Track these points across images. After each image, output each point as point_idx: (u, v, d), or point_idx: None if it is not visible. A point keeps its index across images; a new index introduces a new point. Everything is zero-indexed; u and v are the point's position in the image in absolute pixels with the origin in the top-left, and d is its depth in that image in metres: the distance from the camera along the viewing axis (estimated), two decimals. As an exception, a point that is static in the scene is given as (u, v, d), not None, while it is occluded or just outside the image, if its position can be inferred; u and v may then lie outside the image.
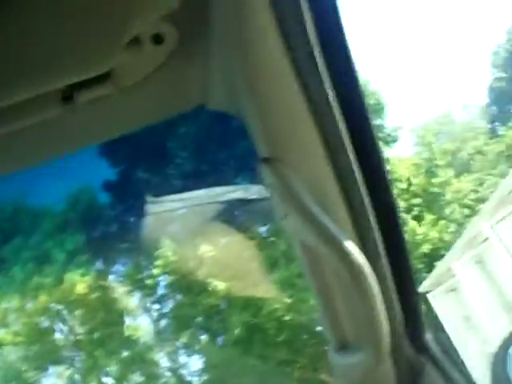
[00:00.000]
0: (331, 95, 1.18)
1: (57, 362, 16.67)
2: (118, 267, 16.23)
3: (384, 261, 1.31)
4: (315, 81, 1.16)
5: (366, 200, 1.27)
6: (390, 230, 1.32)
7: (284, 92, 1.17)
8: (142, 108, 1.36)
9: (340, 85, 1.19)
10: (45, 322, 16.22)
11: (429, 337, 1.39)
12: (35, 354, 16.14)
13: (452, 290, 14.81)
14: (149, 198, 12.92)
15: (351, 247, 1.17)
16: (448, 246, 16.15)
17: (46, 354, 16.18)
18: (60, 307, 16.10)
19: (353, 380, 1.35)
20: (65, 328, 16.53)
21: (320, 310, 1.34)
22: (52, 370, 17.26)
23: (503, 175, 18.79)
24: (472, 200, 18.58)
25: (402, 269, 1.35)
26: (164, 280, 15.33)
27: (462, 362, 1.68)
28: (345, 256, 1.16)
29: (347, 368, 1.35)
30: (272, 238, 14.43)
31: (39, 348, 16.11)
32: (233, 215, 14.85)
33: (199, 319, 14.88)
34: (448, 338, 12.90)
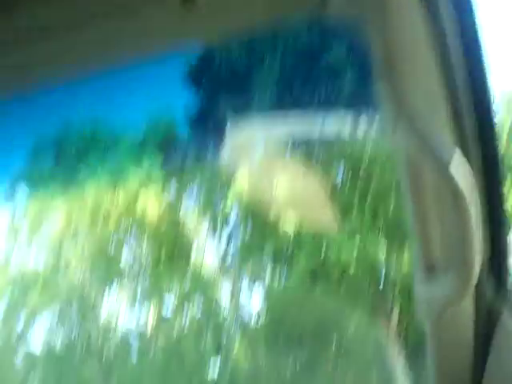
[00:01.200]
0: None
1: (120, 286, 17.14)
2: (192, 193, 16.48)
3: (480, 193, 1.29)
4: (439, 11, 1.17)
5: (470, 120, 1.29)
6: (488, 155, 1.33)
7: (408, 12, 1.17)
8: (257, 7, 1.33)
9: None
10: (112, 246, 16.67)
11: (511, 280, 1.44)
12: (100, 276, 16.64)
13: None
14: (231, 123, 13.05)
15: (458, 167, 1.15)
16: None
17: (110, 277, 16.65)
18: (131, 229, 16.51)
19: (433, 311, 1.36)
20: (131, 253, 16.95)
21: (412, 229, 1.35)
22: (114, 294, 17.83)
23: None
24: None
25: (496, 203, 1.38)
26: (235, 215, 15.48)
27: None
28: (449, 177, 1.14)
29: (429, 291, 1.37)
30: (348, 185, 14.32)
31: (104, 271, 16.59)
32: (312, 155, 14.78)
33: (266, 256, 14.98)
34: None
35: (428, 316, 1.40)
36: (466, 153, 1.22)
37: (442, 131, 1.22)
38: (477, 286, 1.28)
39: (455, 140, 1.25)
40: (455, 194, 1.14)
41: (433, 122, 1.19)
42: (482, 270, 1.28)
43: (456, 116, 1.25)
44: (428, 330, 1.42)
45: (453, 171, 1.13)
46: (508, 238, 1.41)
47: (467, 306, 1.34)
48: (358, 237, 12.95)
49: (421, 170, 1.25)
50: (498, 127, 16.47)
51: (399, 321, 13.30)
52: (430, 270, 1.34)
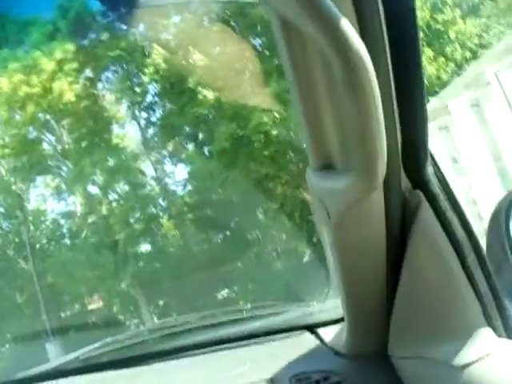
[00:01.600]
0: None
1: (44, 172, 16.87)
2: (108, 75, 16.06)
3: (389, 65, 1.05)
4: None
5: None
6: (401, 30, 1.03)
7: None
8: None
9: None
10: (32, 133, 16.21)
11: (430, 171, 1.24)
12: (23, 165, 16.27)
13: (443, 128, 14.75)
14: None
15: (349, 29, 0.87)
16: (444, 84, 15.93)
17: (33, 164, 16.31)
18: (48, 117, 16.02)
19: (335, 206, 1.13)
20: (52, 138, 16.55)
21: (300, 116, 1.09)
22: (39, 180, 17.56)
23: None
24: (475, 44, 18.04)
25: (411, 82, 1.11)
26: (153, 88, 15.24)
27: (460, 205, 1.43)
28: (339, 39, 0.86)
29: (329, 192, 1.15)
30: (266, 52, 14.09)
31: (27, 159, 16.21)
32: (229, 24, 14.46)
33: (187, 128, 14.91)
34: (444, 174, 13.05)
35: (326, 216, 1.16)
36: (369, 14, 0.99)
37: None
38: (389, 177, 1.07)
39: (354, 10, 0.98)
40: (349, 72, 0.88)
41: None
42: (395, 161, 1.11)
43: None
44: (328, 231, 1.20)
45: (344, 34, 0.86)
46: (426, 119, 1.17)
47: (377, 201, 1.14)
48: (278, 102, 12.89)
49: (304, 42, 0.98)
50: None
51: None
52: (328, 165, 1.12)
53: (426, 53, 16.44)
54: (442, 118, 14.32)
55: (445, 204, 1.25)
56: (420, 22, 17.22)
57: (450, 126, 14.42)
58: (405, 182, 1.22)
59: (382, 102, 0.95)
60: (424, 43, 16.88)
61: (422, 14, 17.19)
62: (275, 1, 0.96)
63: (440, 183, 1.27)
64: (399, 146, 1.15)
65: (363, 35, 0.94)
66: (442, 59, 16.70)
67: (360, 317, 1.40)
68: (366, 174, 1.00)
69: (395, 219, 1.22)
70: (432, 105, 14.60)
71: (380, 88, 0.93)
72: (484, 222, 10.25)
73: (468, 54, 17.70)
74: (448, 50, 17.32)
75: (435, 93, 15.21)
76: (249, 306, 3.11)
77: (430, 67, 16.18)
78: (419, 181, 1.23)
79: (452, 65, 17.08)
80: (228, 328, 2.34)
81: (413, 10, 1.07)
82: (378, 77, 0.92)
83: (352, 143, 0.99)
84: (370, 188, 1.04)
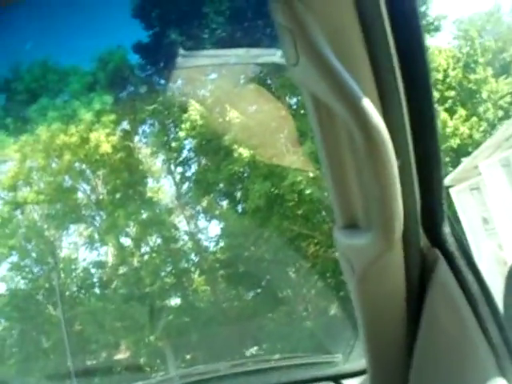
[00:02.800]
0: None
1: (78, 220, 17.06)
2: (144, 128, 16.34)
3: (408, 138, 1.15)
4: None
5: (396, 65, 1.10)
6: (420, 105, 1.15)
7: None
8: None
9: None
10: (68, 182, 16.46)
11: (446, 230, 1.30)
12: (57, 212, 16.50)
13: (475, 189, 14.70)
14: (181, 52, 12.77)
15: (370, 108, 1.00)
16: (476, 144, 15.91)
17: (67, 212, 16.51)
18: (84, 167, 16.28)
19: (358, 261, 1.23)
20: (87, 187, 16.78)
21: (327, 179, 1.19)
22: (73, 228, 17.76)
23: (543, 84, 18.26)
24: (507, 103, 18.07)
25: (429, 152, 1.21)
26: (189, 143, 15.39)
27: (476, 263, 1.52)
28: (361, 116, 1.00)
29: (353, 248, 1.25)
30: (302, 111, 14.24)
31: (61, 207, 16.43)
32: (265, 83, 14.69)
33: (221, 185, 15.01)
34: (465, 236, 12.95)
35: (351, 271, 1.26)
36: (390, 92, 1.10)
37: (355, 67, 1.05)
38: (408, 236, 1.18)
39: (374, 80, 1.09)
40: (369, 144, 1.01)
41: (344, 58, 1.03)
42: (414, 221, 1.20)
43: (376, 51, 1.07)
44: (352, 286, 1.29)
45: (364, 111, 0.99)
46: (442, 184, 1.28)
47: (397, 258, 1.23)
48: (313, 161, 12.96)
49: (331, 114, 1.08)
50: (434, 63, 16.62)
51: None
52: (352, 223, 1.21)
53: (459, 112, 16.50)
54: (473, 179, 14.29)
55: (461, 262, 1.30)
56: (453, 82, 17.35)
57: (482, 187, 14.35)
58: (424, 241, 1.29)
59: (402, 166, 1.07)
60: (457, 103, 16.98)
61: (454, 73, 17.34)
62: (305, 79, 1.06)
63: (456, 242, 1.32)
64: (418, 207, 1.23)
65: (384, 110, 1.06)
66: (475, 119, 16.72)
67: (381, 368, 1.43)
68: (383, 232, 1.10)
69: (414, 275, 1.29)
70: (463, 165, 14.60)
71: (399, 155, 1.04)
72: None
73: (500, 113, 17.71)
74: (481, 109, 17.36)
75: (468, 153, 15.19)
76: (277, 356, 3.15)
77: (462, 127, 16.21)
78: (437, 239, 1.30)
79: (484, 124, 17.09)
80: (257, 377, 2.36)
81: (429, 89, 1.17)
82: (397, 147, 1.04)
83: (372, 205, 1.09)
84: (388, 245, 1.13)
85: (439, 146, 1.23)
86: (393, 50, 1.09)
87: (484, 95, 17.71)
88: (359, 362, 1.88)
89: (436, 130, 1.21)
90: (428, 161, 1.21)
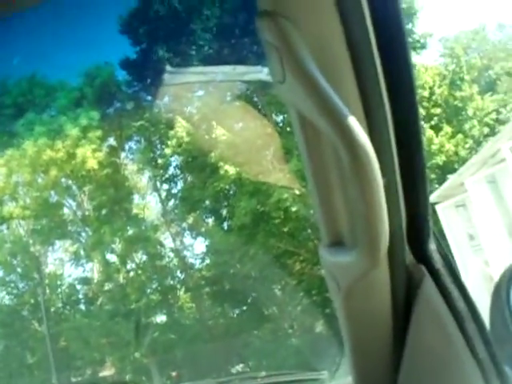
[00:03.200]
0: None
1: (63, 236, 16.98)
2: (131, 145, 16.32)
3: (394, 155, 1.15)
4: None
5: (382, 83, 1.11)
6: (406, 123, 1.16)
7: None
8: None
9: None
10: (54, 197, 16.39)
11: (432, 247, 1.30)
12: (42, 228, 16.41)
13: (461, 206, 14.76)
14: (168, 69, 12.77)
15: (356, 126, 1.00)
16: (462, 160, 16.00)
17: (53, 228, 16.43)
18: (70, 182, 16.22)
19: (344, 279, 1.23)
20: (73, 203, 16.72)
21: (313, 197, 1.19)
22: (58, 244, 17.67)
23: (528, 101, 18.44)
24: (492, 120, 18.20)
25: (415, 169, 1.22)
26: (175, 160, 15.39)
27: (461, 279, 1.55)
28: (347, 135, 1.00)
29: (338, 266, 1.24)
30: (288, 128, 14.28)
31: (47, 222, 16.35)
32: (252, 100, 14.73)
33: (207, 202, 14.98)
34: (451, 252, 13.00)
35: (336, 289, 1.26)
36: (376, 109, 1.11)
37: (341, 85, 1.05)
38: (393, 254, 1.18)
39: (360, 97, 1.09)
40: (355, 164, 1.00)
41: (330, 75, 1.02)
42: (399, 237, 1.20)
43: (362, 68, 1.07)
44: (338, 303, 1.29)
45: (351, 130, 0.99)
46: (428, 201, 1.28)
47: (382, 275, 1.23)
48: (299, 179, 12.97)
49: (317, 132, 1.08)
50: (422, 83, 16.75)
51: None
52: (338, 241, 1.21)
53: (445, 130, 16.59)
54: (459, 196, 14.35)
55: (446, 278, 1.30)
56: (439, 99, 17.46)
57: (467, 203, 14.42)
58: (409, 258, 1.29)
59: (388, 184, 1.07)
60: (443, 120, 17.09)
61: (440, 91, 17.46)
62: (291, 96, 1.06)
63: (442, 259, 1.32)
64: (403, 224, 1.23)
65: (370, 128, 1.07)
66: (461, 136, 16.82)
67: None
68: (369, 250, 1.09)
69: (400, 292, 1.29)
70: (449, 182, 14.67)
71: (384, 173, 1.04)
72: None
73: (486, 130, 17.83)
74: (466, 126, 17.47)
75: (454, 170, 15.28)
76: (263, 373, 3.13)
77: (448, 144, 16.30)
78: (422, 256, 1.30)
79: (470, 141, 17.20)
80: None
81: (415, 106, 1.18)
82: (382, 164, 1.03)
83: (358, 222, 1.08)
84: (373, 263, 1.13)
85: (425, 163, 1.24)
86: (379, 68, 1.10)
87: (470, 112, 17.84)
88: (345, 379, 1.86)
89: (422, 147, 1.22)
90: (414, 178, 1.22)
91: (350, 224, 1.15)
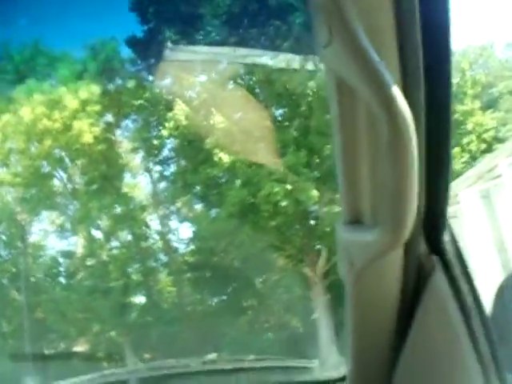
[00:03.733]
0: None
1: (51, 207, 16.92)
2: (128, 123, 16.24)
3: (423, 138, 1.12)
4: None
5: (421, 61, 1.09)
6: (437, 106, 1.14)
7: None
8: None
9: None
10: (46, 167, 16.30)
11: (446, 238, 1.30)
12: (31, 197, 16.33)
13: (452, 217, 14.73)
14: (169, 45, 12.70)
15: (401, 98, 0.97)
16: (457, 174, 16.03)
17: (41, 198, 16.36)
18: (63, 154, 16.13)
19: (359, 258, 1.21)
20: (64, 176, 16.63)
21: (339, 171, 1.16)
22: (45, 215, 17.60)
23: (528, 123, 18.48)
24: (491, 137, 18.24)
25: (440, 158, 1.20)
26: (171, 143, 15.30)
27: (472, 274, 1.53)
28: (391, 105, 0.96)
29: (356, 244, 1.22)
30: (286, 123, 14.24)
31: (36, 192, 16.27)
32: (254, 91, 14.66)
33: (198, 188, 14.92)
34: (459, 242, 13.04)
35: (349, 268, 1.24)
36: (411, 93, 1.07)
37: (384, 52, 1.03)
38: (408, 240, 1.13)
39: (400, 77, 1.07)
40: (394, 130, 0.97)
41: (376, 40, 1.00)
42: (416, 225, 1.13)
43: (406, 52, 1.06)
44: (348, 283, 1.27)
45: (395, 99, 0.96)
46: (448, 193, 1.25)
47: (395, 260, 1.21)
48: (292, 174, 12.95)
49: (355, 102, 1.05)
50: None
51: (327, 262, 13.57)
52: (357, 219, 1.18)
53: (443, 142, 16.62)
54: (451, 207, 14.32)
55: (458, 271, 1.29)
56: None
57: (459, 215, 14.43)
58: (423, 246, 1.27)
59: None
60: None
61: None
62: (336, 61, 1.02)
63: (455, 251, 1.31)
64: (421, 212, 1.20)
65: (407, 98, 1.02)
66: (458, 149, 16.84)
67: (363, 375, 1.40)
68: (393, 229, 1.06)
69: (410, 280, 1.27)
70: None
71: None
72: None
73: (483, 146, 17.86)
74: (464, 140, 17.50)
75: (447, 182, 15.30)
76: (252, 357, 3.07)
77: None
78: (436, 247, 1.28)
79: (467, 155, 17.22)
80: (228, 377, 2.31)
81: (449, 94, 1.16)
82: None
83: (384, 200, 1.05)
84: (395, 243, 1.10)
85: (451, 150, 1.22)
86: (420, 43, 1.07)
87: (469, 127, 17.86)
88: (337, 369, 1.82)
89: (449, 136, 1.19)
90: (439, 165, 1.19)
91: (374, 201, 1.13)
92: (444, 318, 1.28)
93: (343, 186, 1.17)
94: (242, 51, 10.42)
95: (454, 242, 1.31)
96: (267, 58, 11.26)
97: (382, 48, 1.02)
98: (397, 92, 0.96)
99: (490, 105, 19.25)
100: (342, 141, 1.11)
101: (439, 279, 1.27)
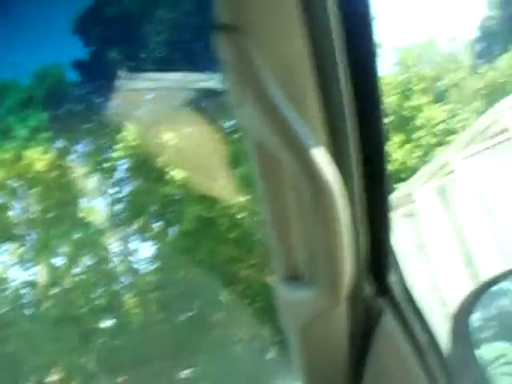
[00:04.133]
0: None
1: (9, 239, 16.66)
2: (79, 147, 16.10)
3: (357, 186, 1.10)
4: None
5: (348, 110, 1.03)
6: (371, 151, 1.10)
7: None
8: None
9: None
10: (0, 199, 16.07)
11: (393, 279, 1.27)
12: (-14, 232, 16.08)
13: (409, 216, 14.96)
14: (121, 74, 12.68)
15: (322, 158, 0.92)
16: (410, 170, 16.23)
17: (-2, 232, 16.13)
18: (17, 184, 15.93)
19: (300, 315, 1.17)
20: (20, 206, 16.42)
21: (269, 228, 1.12)
22: (4, 247, 17.32)
23: (476, 112, 18.80)
24: (441, 130, 18.54)
25: (379, 201, 1.17)
26: (123, 164, 15.28)
27: (423, 311, 1.49)
28: (311, 167, 0.92)
29: (293, 301, 1.18)
30: (236, 135, 14.28)
31: (-8, 227, 16.04)
32: (200, 106, 14.69)
33: (154, 207, 14.91)
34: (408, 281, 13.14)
35: (291, 323, 1.19)
36: (342, 140, 1.02)
37: (305, 111, 0.96)
38: (354, 284, 1.07)
39: (325, 123, 1.00)
40: (317, 193, 0.91)
41: (295, 97, 0.93)
42: (360, 268, 1.12)
43: (328, 98, 0.98)
44: (293, 336, 1.21)
45: (316, 162, 0.89)
46: (391, 232, 1.21)
47: (340, 309, 1.15)
48: (245, 186, 12.99)
49: (276, 162, 0.99)
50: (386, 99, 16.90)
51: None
52: (294, 275, 1.13)
53: (394, 139, 16.85)
54: (407, 206, 14.53)
55: (407, 311, 1.26)
56: (388, 108, 17.73)
57: (416, 214, 14.60)
58: (369, 290, 1.23)
59: (352, 216, 0.98)
60: (392, 129, 17.36)
61: (390, 100, 17.74)
62: (251, 122, 0.97)
63: (404, 290, 1.28)
64: (364, 256, 1.17)
65: (334, 157, 0.97)
66: (409, 145, 17.11)
67: None
68: (329, 289, 1.02)
69: (358, 326, 1.23)
70: (397, 192, 14.84)
71: (347, 204, 0.96)
72: (447, 307, 10.29)
73: (434, 140, 18.16)
74: (415, 136, 17.77)
75: (402, 180, 15.48)
76: None
77: (396, 154, 16.55)
78: (383, 288, 1.25)
79: (418, 151, 17.49)
80: None
81: (382, 138, 1.13)
82: (346, 194, 0.96)
83: (318, 258, 1.00)
84: (334, 302, 1.05)
85: (389, 195, 1.18)
86: (345, 94, 1.01)
87: (419, 122, 18.14)
88: None
89: (386, 179, 1.16)
90: (378, 209, 1.16)
91: (309, 260, 1.08)
92: (398, 360, 1.24)
93: (275, 243, 1.12)
94: (192, 76, 10.45)
95: (402, 280, 1.28)
96: (216, 83, 11.31)
97: (303, 102, 0.97)
98: (317, 153, 0.91)
99: (437, 98, 19.60)
100: (268, 198, 1.07)
101: (389, 321, 1.23)
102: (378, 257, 1.21)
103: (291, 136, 0.91)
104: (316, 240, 0.98)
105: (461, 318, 1.69)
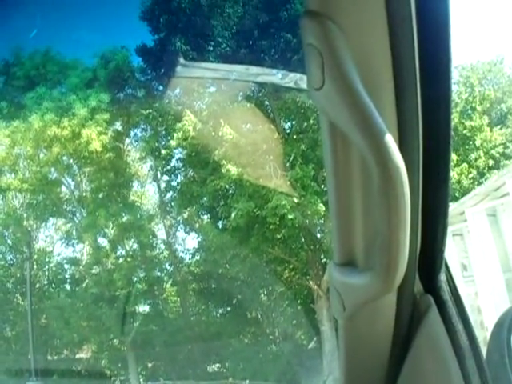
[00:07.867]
0: None
1: (57, 214, 16.96)
2: (136, 132, 16.28)
3: (420, 181, 1.12)
4: None
5: (419, 105, 1.05)
6: (436, 150, 1.12)
7: None
8: None
9: None
10: (53, 174, 16.33)
11: (442, 278, 1.28)
12: (38, 203, 16.39)
13: (458, 235, 14.73)
14: (182, 61, 12.73)
15: (393, 145, 0.94)
16: (464, 190, 15.97)
17: (48, 205, 16.42)
18: (71, 161, 16.18)
19: (351, 300, 1.18)
20: (72, 183, 16.67)
21: (331, 212, 1.13)
22: (52, 221, 17.65)
23: (536, 139, 18.45)
24: (499, 153, 18.19)
25: (438, 199, 1.18)
26: (179, 153, 15.31)
27: (467, 314, 1.50)
28: (382, 153, 0.94)
29: (347, 286, 1.19)
30: (295, 136, 14.26)
31: (43, 198, 16.33)
32: (263, 103, 14.71)
33: (205, 199, 14.93)
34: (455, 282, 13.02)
35: (341, 310, 1.20)
36: (407, 139, 1.05)
37: (380, 98, 0.99)
38: (404, 281, 1.10)
39: (396, 122, 1.04)
40: (386, 182, 0.94)
41: (371, 85, 0.97)
42: (411, 264, 1.13)
43: (403, 96, 1.02)
44: (340, 324, 1.25)
45: (387, 149, 0.92)
46: (446, 232, 1.24)
47: (389, 301, 1.19)
48: (299, 187, 12.95)
49: (348, 146, 1.01)
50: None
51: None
52: (350, 261, 1.15)
53: (451, 157, 16.58)
54: (457, 225, 14.31)
55: (452, 311, 1.27)
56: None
57: (465, 233, 14.38)
58: (417, 286, 1.26)
59: (411, 209, 1.00)
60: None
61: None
62: (327, 105, 1.00)
63: (450, 291, 1.29)
64: (417, 251, 1.19)
65: (400, 148, 0.99)
66: (465, 165, 16.82)
67: None
68: (384, 276, 1.04)
69: (404, 320, 1.25)
70: (450, 210, 14.59)
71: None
72: (486, 331, 10.12)
73: (491, 162, 17.82)
74: (472, 156, 17.46)
75: (455, 198, 15.25)
76: (247, 382, 3.04)
77: (453, 172, 16.28)
78: (431, 286, 1.27)
79: (474, 171, 17.18)
80: None
81: (449, 138, 1.14)
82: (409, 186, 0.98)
83: (377, 245, 1.02)
84: (386, 290, 1.08)
85: (449, 194, 1.20)
86: (419, 87, 1.05)
87: (477, 143, 17.82)
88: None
89: (448, 177, 1.18)
90: (436, 207, 1.18)
91: (367, 245, 1.10)
92: (437, 357, 1.25)
93: (336, 228, 1.14)
94: (254, 69, 10.42)
95: (450, 281, 1.30)
96: (277, 78, 11.25)
97: (378, 91, 1.00)
98: (389, 140, 0.94)
99: (498, 121, 19.22)
100: (334, 183, 1.09)
101: (433, 319, 1.25)
102: (430, 255, 1.23)
103: (366, 121, 0.95)
104: (378, 225, 1.00)
105: (503, 327, 1.70)
